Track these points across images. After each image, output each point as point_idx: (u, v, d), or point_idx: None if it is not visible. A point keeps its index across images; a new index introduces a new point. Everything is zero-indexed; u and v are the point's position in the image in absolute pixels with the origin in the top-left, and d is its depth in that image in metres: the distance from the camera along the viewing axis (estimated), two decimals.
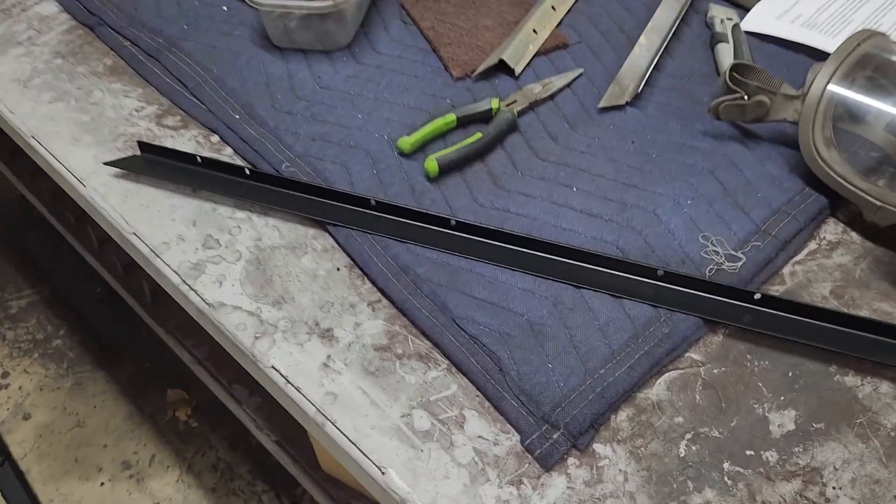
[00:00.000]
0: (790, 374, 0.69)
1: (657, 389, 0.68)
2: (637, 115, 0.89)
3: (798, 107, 0.82)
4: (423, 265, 0.75)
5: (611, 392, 0.66)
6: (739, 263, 0.74)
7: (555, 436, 0.64)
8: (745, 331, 0.72)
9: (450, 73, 0.93)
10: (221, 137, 0.89)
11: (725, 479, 0.63)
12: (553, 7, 1.00)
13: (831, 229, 0.80)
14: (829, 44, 0.94)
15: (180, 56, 0.97)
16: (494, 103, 0.87)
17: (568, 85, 0.92)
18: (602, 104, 0.89)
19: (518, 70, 0.93)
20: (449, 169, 0.82)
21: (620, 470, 0.64)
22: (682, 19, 1.00)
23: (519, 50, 0.94)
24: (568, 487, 0.63)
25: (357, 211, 0.79)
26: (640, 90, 0.90)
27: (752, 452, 0.64)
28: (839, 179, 0.78)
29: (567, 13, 1.01)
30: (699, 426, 0.66)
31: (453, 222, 0.77)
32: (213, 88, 0.93)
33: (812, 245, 0.79)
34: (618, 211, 0.79)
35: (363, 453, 0.64)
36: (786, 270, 0.76)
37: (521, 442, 0.65)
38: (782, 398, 0.67)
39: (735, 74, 0.84)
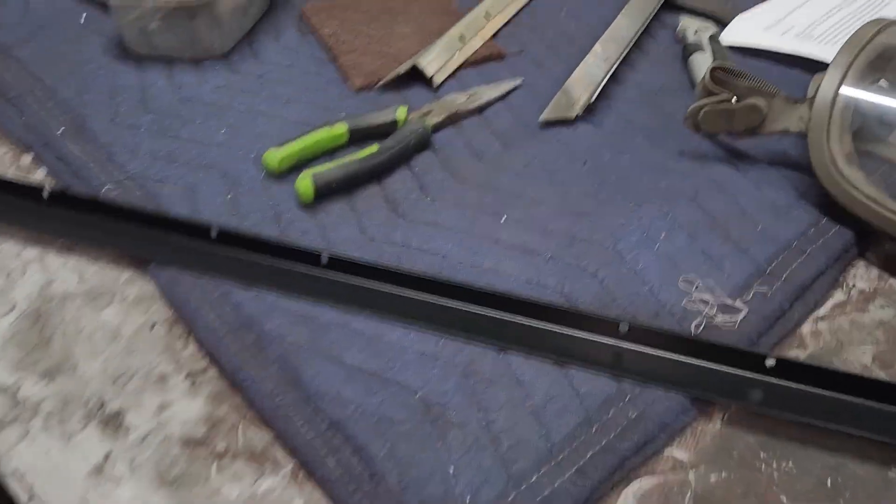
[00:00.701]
0: (828, 483, 0.44)
1: None
2: (590, 132, 0.67)
3: (804, 113, 0.60)
4: (274, 318, 0.51)
5: None
6: (739, 316, 0.51)
7: None
8: (755, 415, 0.47)
9: (349, 83, 0.72)
10: (36, 156, 0.66)
11: None
12: (487, 16, 0.80)
13: (862, 274, 0.57)
14: (830, 53, 0.74)
15: (8, 64, 0.75)
16: (401, 112, 0.65)
17: (502, 97, 0.70)
18: (545, 117, 0.67)
19: (437, 81, 0.72)
20: (330, 191, 0.59)
21: None
22: (646, 31, 0.80)
23: (440, 57, 0.73)
24: None
25: (191, 245, 0.55)
26: (593, 101, 0.68)
27: None
28: (869, 204, 0.56)
29: (505, 25, 0.81)
30: None
31: (324, 258, 0.53)
32: (39, 100, 0.71)
33: (839, 295, 0.55)
34: (563, 246, 0.56)
35: None
36: (806, 329, 0.53)
37: None
38: None
39: (718, 75, 0.63)
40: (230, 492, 0.43)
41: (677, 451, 0.45)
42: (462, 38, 0.76)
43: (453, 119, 0.67)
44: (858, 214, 0.57)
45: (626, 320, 0.49)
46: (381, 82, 0.71)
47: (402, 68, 0.71)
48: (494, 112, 0.69)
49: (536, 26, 0.81)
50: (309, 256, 0.53)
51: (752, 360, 0.47)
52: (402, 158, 0.63)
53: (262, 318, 0.51)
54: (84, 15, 0.83)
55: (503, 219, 0.58)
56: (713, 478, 0.44)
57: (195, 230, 0.55)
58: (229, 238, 0.55)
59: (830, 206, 0.59)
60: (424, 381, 0.47)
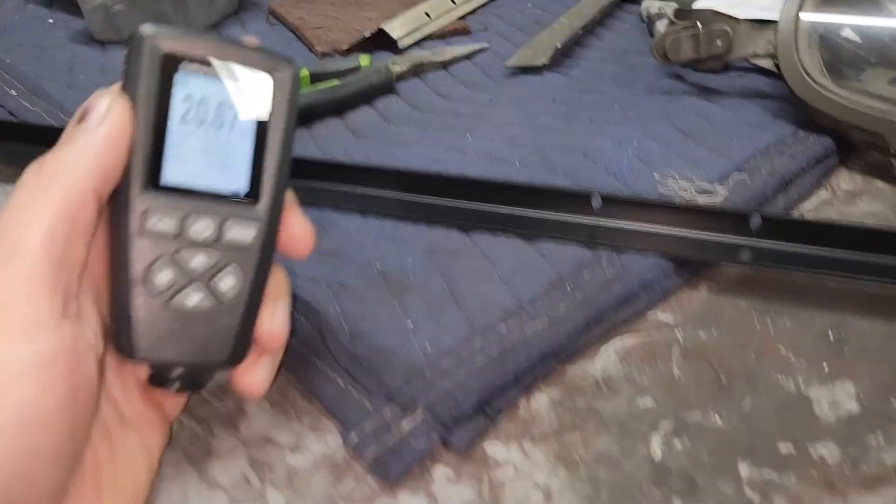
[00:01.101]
0: (831, 336, 0.39)
1: (602, 361, 0.38)
2: (558, 79, 0.66)
3: (771, 38, 0.59)
4: None
5: (516, 358, 0.36)
6: (719, 198, 0.47)
7: (406, 425, 0.33)
8: (743, 283, 0.43)
9: (314, 53, 0.71)
10: None
11: (746, 490, 0.31)
12: (454, 1, 0.80)
13: (846, 178, 0.54)
14: None
15: None
16: (364, 60, 0.64)
17: (467, 57, 0.69)
18: (512, 62, 0.66)
19: (404, 44, 0.71)
20: None
21: (537, 484, 0.32)
22: (611, 15, 0.81)
23: (407, 25, 0.73)
24: None
25: None
26: (560, 54, 0.67)
27: (792, 448, 0.33)
28: (845, 103, 0.54)
29: (471, 13, 0.82)
30: (684, 412, 0.35)
31: None
32: None
33: (824, 194, 0.52)
34: (532, 155, 0.53)
35: None
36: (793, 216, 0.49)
37: (344, 439, 0.33)
38: (826, 368, 0.37)
39: (682, 12, 0.63)
40: None
41: (661, 315, 0.41)
42: (428, 16, 0.76)
43: (417, 71, 0.66)
44: (837, 117, 0.54)
45: (597, 193, 0.45)
46: (346, 47, 0.70)
47: (368, 32, 0.71)
48: (460, 67, 0.68)
49: (502, 14, 0.82)
50: None
51: (737, 220, 0.43)
52: (364, 96, 0.61)
53: None
54: (51, 20, 0.84)
55: (469, 136, 0.55)
56: (702, 334, 0.40)
57: None
58: None
59: (805, 123, 0.56)
60: (382, 256, 0.43)
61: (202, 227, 0.27)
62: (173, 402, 0.30)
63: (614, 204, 0.45)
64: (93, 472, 0.26)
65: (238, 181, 0.28)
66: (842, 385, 0.36)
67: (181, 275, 0.26)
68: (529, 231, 0.45)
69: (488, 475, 0.32)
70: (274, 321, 0.30)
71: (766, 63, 0.67)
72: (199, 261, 0.27)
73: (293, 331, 0.37)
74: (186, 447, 0.34)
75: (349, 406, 0.34)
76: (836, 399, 0.35)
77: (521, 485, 0.32)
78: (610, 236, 0.44)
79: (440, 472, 0.32)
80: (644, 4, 0.81)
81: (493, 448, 0.34)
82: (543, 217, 0.46)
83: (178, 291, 0.26)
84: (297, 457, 0.33)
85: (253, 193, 0.28)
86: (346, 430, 0.33)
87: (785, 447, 0.33)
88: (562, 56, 0.69)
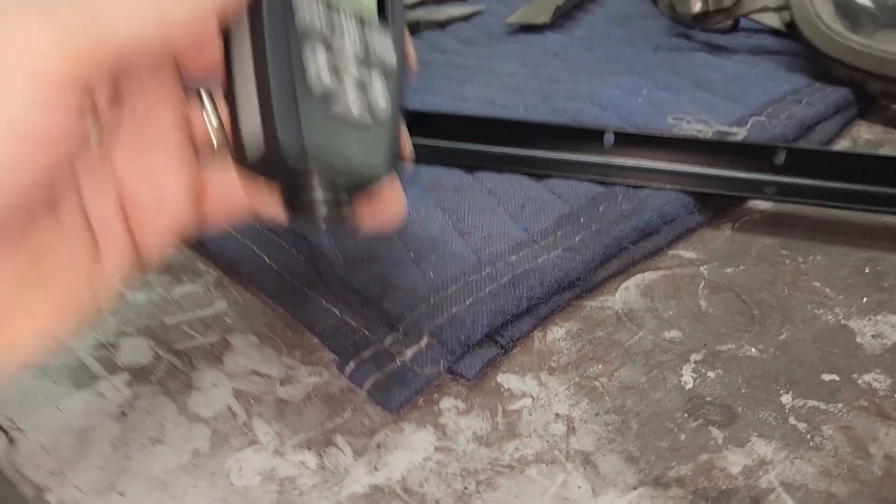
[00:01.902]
0: (867, 271, 0.36)
1: (623, 295, 0.35)
2: (560, 38, 0.63)
3: None
4: None
5: (529, 283, 0.32)
6: (738, 138, 0.45)
7: (410, 352, 0.30)
8: (768, 222, 0.40)
9: None
10: None
11: (791, 419, 0.28)
12: None
13: (867, 129, 0.51)
14: None
15: None
16: None
17: (464, 18, 0.66)
18: (513, 19, 0.63)
19: None
20: None
21: (558, 414, 0.28)
22: None
23: None
24: (439, 450, 0.27)
25: None
26: (562, 15, 0.65)
27: (837, 378, 0.30)
28: (863, 49, 0.51)
29: None
30: (715, 343, 0.32)
31: None
32: None
33: (845, 144, 0.49)
34: (536, 103, 0.50)
35: None
36: None
37: (339, 367, 0.30)
38: (865, 300, 0.34)
39: None
40: (136, 298, 0.35)
41: (684, 252, 0.38)
42: None
43: (412, 30, 0.63)
44: (855, 64, 0.52)
45: (610, 130, 0.42)
46: None
47: None
48: (457, 27, 0.65)
49: None
50: None
51: (761, 154, 0.40)
52: None
53: None
54: None
55: (469, 86, 0.52)
56: (729, 270, 0.36)
57: None
58: None
59: (823, 77, 0.54)
60: None
61: (351, 38, 0.23)
62: (156, 238, 0.24)
63: (628, 141, 0.42)
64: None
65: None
66: (885, 318, 0.33)
67: (340, 83, 0.22)
68: (537, 171, 0.42)
69: (502, 406, 0.29)
70: (408, 143, 0.26)
71: (775, 21, 0.64)
72: (354, 71, 0.23)
73: (282, 262, 0.34)
74: (163, 380, 0.30)
75: (346, 336, 0.31)
76: (880, 331, 0.32)
77: (539, 415, 0.28)
78: (625, 175, 0.41)
79: (448, 404, 0.29)
80: None
81: (507, 379, 0.30)
82: (552, 157, 0.42)
83: (338, 99, 0.22)
84: (287, 388, 0.30)
85: (383, 16, 0.25)
86: (342, 360, 0.30)
87: (829, 377, 0.30)
88: (563, 18, 0.66)
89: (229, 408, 0.29)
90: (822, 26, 0.53)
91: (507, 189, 0.40)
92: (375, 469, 0.26)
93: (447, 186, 0.40)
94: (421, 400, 0.29)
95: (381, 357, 0.29)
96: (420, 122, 0.44)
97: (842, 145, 0.49)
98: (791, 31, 0.62)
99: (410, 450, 0.27)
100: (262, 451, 0.27)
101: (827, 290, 0.35)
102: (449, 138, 0.44)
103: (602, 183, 0.40)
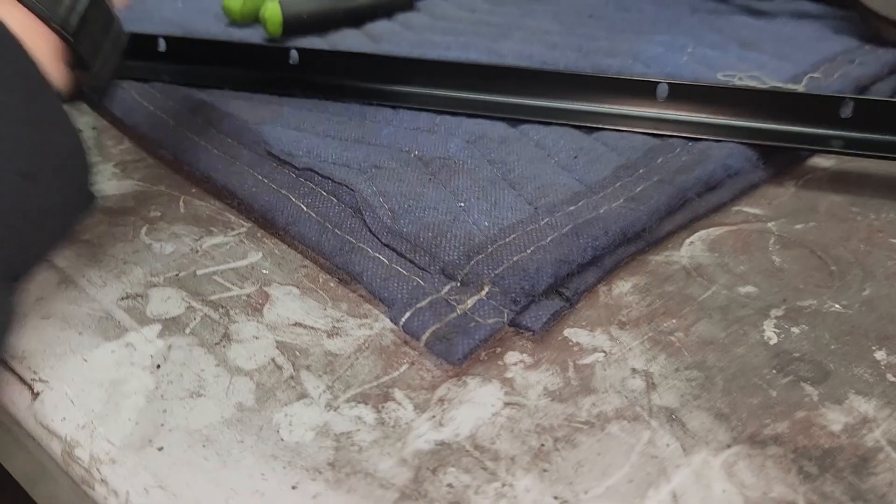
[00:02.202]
0: None
1: (689, 251, 0.32)
2: (593, 0, 0.60)
3: None
4: (231, 103, 0.41)
5: (593, 232, 0.30)
6: (794, 91, 0.42)
7: (470, 302, 0.27)
8: (834, 178, 0.38)
9: None
10: None
11: (889, 376, 0.26)
12: None
13: None
14: None
15: None
16: None
17: None
18: None
19: None
20: (301, 25, 0.51)
21: (635, 370, 0.26)
22: None
23: None
24: (508, 405, 0.24)
25: (136, 64, 0.46)
26: None
27: None
28: None
29: None
30: (795, 298, 0.29)
31: (294, 56, 0.44)
32: None
33: None
34: (576, 59, 0.47)
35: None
36: None
37: (393, 318, 0.27)
38: None
39: None
40: (164, 248, 0.32)
41: (748, 209, 0.35)
42: None
43: None
44: None
45: (664, 82, 0.40)
46: None
47: None
48: None
49: None
50: (276, 57, 0.44)
51: (826, 106, 0.38)
52: (384, 8, 0.55)
53: (217, 103, 0.41)
54: None
55: (503, 42, 0.50)
56: (799, 227, 0.34)
57: (141, 41, 0.46)
58: (178, 46, 0.46)
59: (873, 40, 0.51)
60: (420, 145, 0.37)
61: None
62: None
63: (683, 93, 0.39)
64: None
65: None
66: None
67: None
68: (586, 123, 0.39)
69: (573, 361, 0.26)
70: None
71: None
72: None
73: (322, 210, 0.31)
74: (198, 331, 0.27)
75: (398, 285, 0.28)
76: None
77: (615, 371, 0.26)
78: (680, 129, 0.38)
79: (514, 358, 0.26)
80: None
81: (575, 333, 0.28)
82: (602, 110, 0.40)
83: None
84: (335, 341, 0.27)
85: None
86: (396, 311, 0.27)
87: None
88: None
89: (273, 360, 0.26)
90: None
91: (556, 140, 0.37)
92: (440, 425, 0.24)
93: (492, 138, 0.38)
94: (483, 353, 0.26)
95: (438, 306, 0.27)
96: (455, 73, 0.42)
97: None
98: None
99: (478, 404, 0.24)
100: (314, 406, 0.24)
101: None
102: (489, 91, 0.41)
103: (657, 136, 0.38)
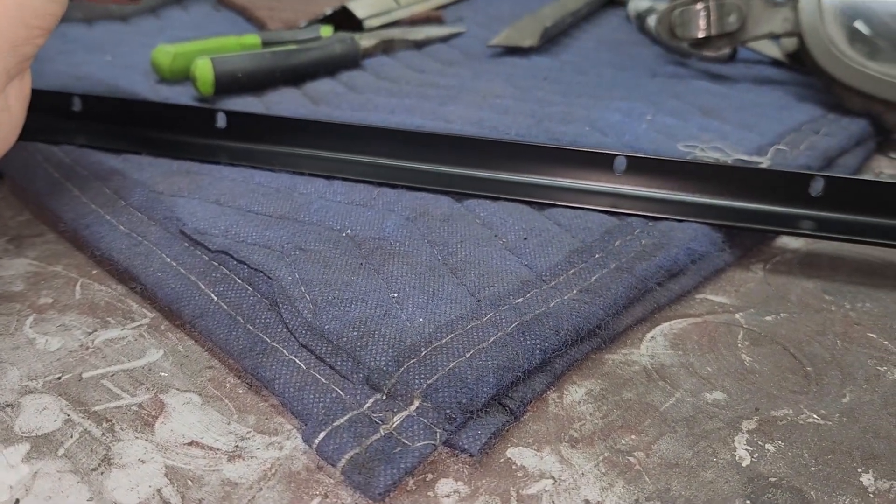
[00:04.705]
0: None
1: (650, 348, 0.29)
2: (548, 62, 0.58)
3: (788, 15, 0.53)
4: (145, 171, 0.37)
5: (542, 332, 0.26)
6: (761, 166, 0.39)
7: (397, 419, 0.23)
8: (804, 262, 0.35)
9: (266, 30, 0.62)
10: None
11: None
12: None
13: (888, 165, 0.47)
14: None
15: None
16: (326, 31, 0.55)
17: (443, 39, 0.61)
18: (496, 41, 0.58)
19: (369, 26, 0.62)
20: (235, 84, 0.47)
21: (588, 501, 0.22)
22: (595, 14, 0.74)
23: (373, 7, 0.64)
24: None
25: (47, 120, 0.42)
26: (548, 40, 0.60)
27: None
28: (881, 77, 0.47)
29: (444, 6, 0.74)
30: (769, 407, 0.26)
31: (221, 119, 0.40)
32: None
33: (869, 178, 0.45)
34: (529, 126, 0.44)
35: None
36: None
37: (306, 437, 0.23)
38: None
39: None
40: (50, 344, 0.28)
41: (714, 296, 0.32)
42: (397, 2, 0.68)
43: (386, 48, 0.57)
44: (872, 93, 0.48)
45: (622, 155, 0.37)
46: (304, 24, 0.61)
47: (329, 9, 0.62)
48: (435, 48, 0.60)
49: (479, 8, 0.75)
50: (200, 118, 0.41)
51: (795, 183, 0.35)
52: (326, 66, 0.52)
53: (130, 171, 0.37)
54: None
55: (451, 106, 0.47)
56: (769, 318, 0.31)
57: (55, 99, 0.42)
58: (94, 105, 0.42)
59: (836, 108, 0.50)
60: (353, 223, 0.33)
61: None
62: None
63: (643, 166, 0.36)
64: None
65: None
66: None
67: None
68: (538, 199, 0.36)
69: (516, 491, 0.22)
70: None
71: (775, 52, 0.60)
72: None
73: (234, 301, 0.28)
74: (73, 453, 0.23)
75: (313, 395, 0.24)
76: None
77: (564, 502, 0.22)
78: (639, 206, 0.35)
79: (447, 487, 0.22)
80: (630, 6, 0.75)
81: (520, 454, 0.24)
82: (555, 183, 0.37)
83: None
84: (236, 466, 0.23)
85: None
86: (310, 429, 0.23)
87: None
88: (549, 43, 0.61)
89: (159, 493, 0.22)
90: (836, 52, 0.49)
91: (504, 219, 0.34)
92: None
93: (434, 215, 0.34)
94: (412, 481, 0.22)
95: (359, 425, 0.23)
96: (396, 140, 0.38)
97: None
98: (793, 60, 0.58)
99: None
100: None
101: (886, 342, 0.30)
102: (432, 161, 0.38)
103: (614, 214, 0.34)
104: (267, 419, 0.25)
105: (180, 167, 0.38)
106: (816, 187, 0.35)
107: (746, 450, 0.24)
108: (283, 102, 0.47)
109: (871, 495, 0.23)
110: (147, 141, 0.40)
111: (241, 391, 0.26)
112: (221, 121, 0.40)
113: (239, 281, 0.29)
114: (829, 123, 0.47)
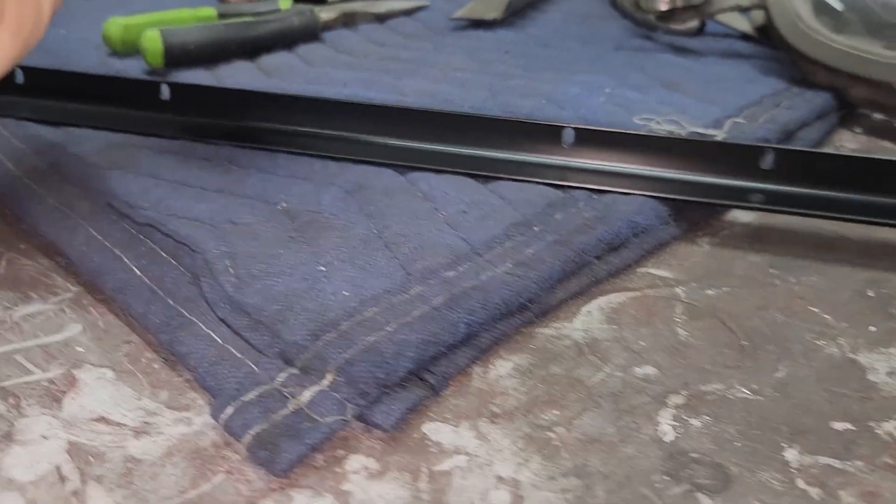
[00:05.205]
0: (871, 294, 0.30)
1: (584, 322, 0.28)
2: (513, 35, 0.57)
3: None
4: (84, 145, 0.36)
5: (469, 306, 0.25)
6: (717, 139, 0.39)
7: (308, 393, 0.22)
8: (753, 235, 0.34)
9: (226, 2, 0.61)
10: None
11: (799, 482, 0.22)
12: None
13: (849, 139, 0.46)
14: None
15: None
16: (285, 3, 0.54)
17: (406, 13, 0.60)
18: (459, 14, 0.57)
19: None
20: (186, 57, 0.46)
21: (501, 478, 0.21)
22: None
23: None
24: None
25: None
26: (513, 13, 0.59)
27: (851, 427, 0.24)
28: (852, 52, 0.46)
29: None
30: (699, 382, 0.25)
31: (165, 92, 0.39)
32: None
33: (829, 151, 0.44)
34: (485, 99, 0.43)
35: None
36: None
37: (214, 413, 0.22)
38: (872, 329, 0.28)
39: None
40: None
41: (655, 270, 0.31)
42: None
43: (347, 21, 0.56)
44: (837, 66, 0.47)
45: (570, 127, 0.36)
46: None
47: None
48: (398, 21, 0.59)
49: None
50: (143, 91, 0.40)
51: (746, 155, 0.34)
52: (283, 39, 0.51)
53: (68, 144, 0.36)
54: None
55: (410, 79, 0.46)
56: (710, 292, 0.30)
57: None
58: (38, 78, 0.41)
59: (801, 82, 0.49)
60: (290, 196, 0.33)
61: None
62: None
63: (591, 139, 0.36)
64: None
65: None
66: None
67: None
68: (483, 172, 0.35)
69: (428, 467, 0.22)
70: None
71: (744, 25, 0.59)
72: None
73: (156, 274, 0.27)
74: None
75: (227, 371, 0.23)
76: None
77: (477, 480, 0.21)
78: (586, 178, 0.34)
79: (357, 464, 0.22)
80: None
81: (436, 430, 0.23)
82: (501, 156, 0.36)
83: None
84: (142, 442, 0.22)
85: None
86: (218, 403, 0.22)
87: (842, 426, 0.24)
88: (514, 16, 0.60)
89: (58, 469, 0.21)
90: (802, 26, 0.48)
91: (446, 192, 0.33)
92: None
93: (375, 188, 0.33)
94: (322, 458, 0.22)
95: (268, 400, 0.22)
96: (340, 112, 0.37)
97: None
98: (762, 34, 0.57)
99: None
100: None
101: (827, 316, 0.29)
102: (377, 133, 0.37)
103: (559, 187, 0.34)
104: (180, 395, 0.24)
105: (123, 140, 0.37)
106: (767, 160, 0.34)
107: (671, 425, 0.24)
108: (236, 75, 0.46)
109: (794, 471, 0.22)
110: (90, 114, 0.39)
111: (156, 366, 0.25)
112: (165, 93, 0.39)
113: (163, 255, 0.28)
114: (792, 97, 0.46)
